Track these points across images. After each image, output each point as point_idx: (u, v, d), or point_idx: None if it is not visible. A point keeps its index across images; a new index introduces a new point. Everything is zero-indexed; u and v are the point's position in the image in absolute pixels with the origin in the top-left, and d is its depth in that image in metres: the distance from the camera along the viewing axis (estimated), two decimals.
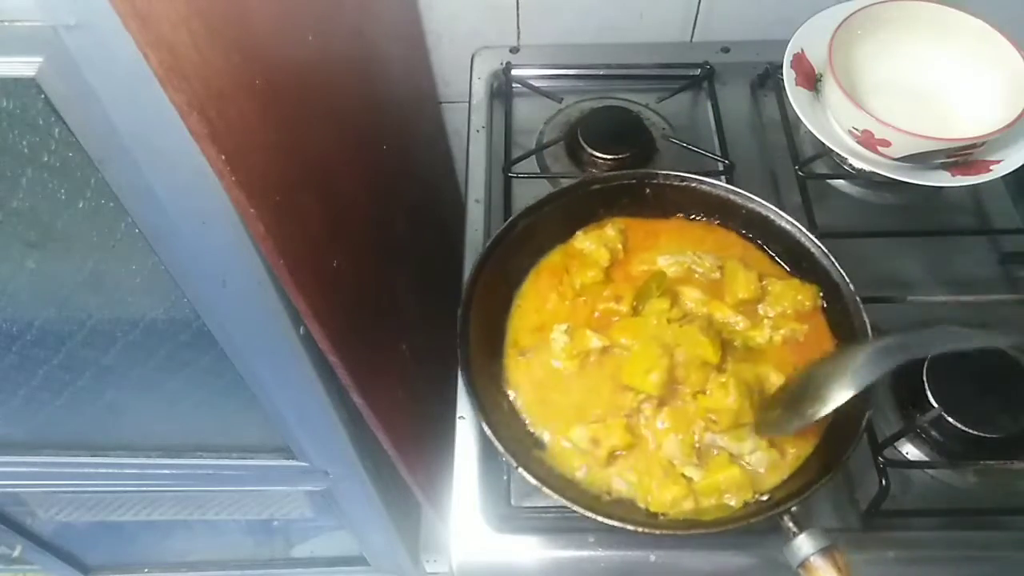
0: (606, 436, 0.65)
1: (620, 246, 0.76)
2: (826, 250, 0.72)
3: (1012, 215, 0.88)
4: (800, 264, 0.75)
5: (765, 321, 0.72)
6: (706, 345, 0.67)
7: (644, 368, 0.66)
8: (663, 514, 0.63)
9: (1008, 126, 0.76)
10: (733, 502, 0.63)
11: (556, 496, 0.61)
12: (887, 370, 0.58)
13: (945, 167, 0.80)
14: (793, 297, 0.72)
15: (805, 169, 0.88)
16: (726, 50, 1.01)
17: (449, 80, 1.12)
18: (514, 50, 1.02)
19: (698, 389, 0.67)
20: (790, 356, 0.70)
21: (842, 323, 0.70)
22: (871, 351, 0.59)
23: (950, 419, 0.70)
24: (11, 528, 1.19)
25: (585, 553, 0.69)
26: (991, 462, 0.71)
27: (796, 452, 0.66)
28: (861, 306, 0.69)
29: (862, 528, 0.69)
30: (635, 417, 0.67)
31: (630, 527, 0.61)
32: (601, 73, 1.00)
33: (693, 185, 0.77)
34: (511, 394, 0.70)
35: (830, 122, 0.85)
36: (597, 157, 0.90)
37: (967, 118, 0.83)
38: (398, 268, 0.93)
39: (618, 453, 0.66)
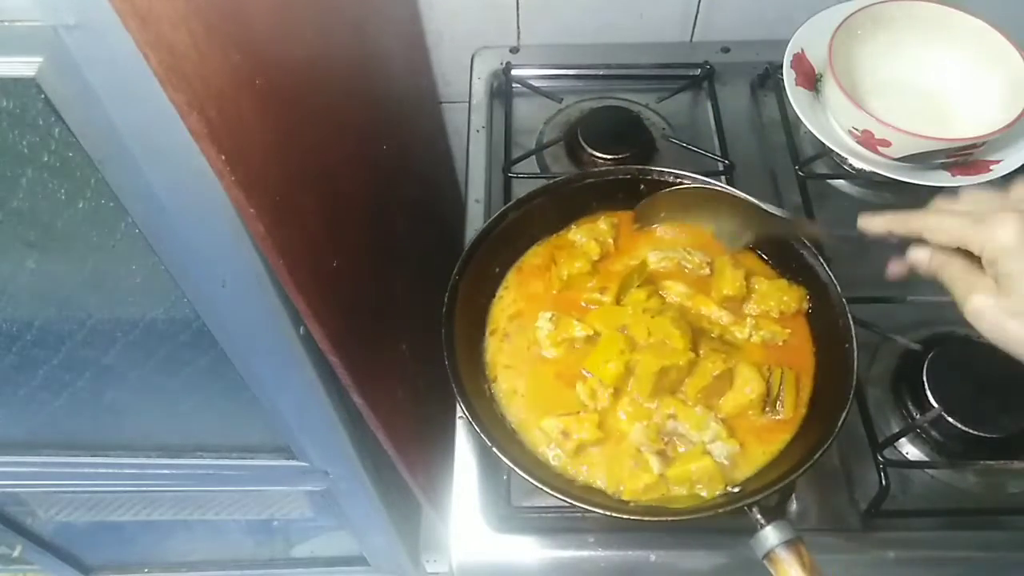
0: (577, 429, 0.66)
1: (611, 240, 0.77)
2: (815, 250, 0.72)
3: None
4: (790, 264, 0.74)
5: (748, 320, 0.72)
6: (676, 336, 0.67)
7: (604, 358, 0.68)
8: (634, 501, 0.64)
9: (1008, 126, 0.76)
10: (705, 493, 0.64)
11: (530, 479, 0.62)
12: None
13: (945, 167, 0.80)
14: (779, 297, 0.72)
15: (805, 169, 0.88)
16: (726, 50, 1.01)
17: (449, 80, 1.12)
18: (514, 50, 1.02)
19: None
20: (765, 357, 0.71)
21: (826, 327, 0.70)
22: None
23: (950, 419, 0.70)
24: (11, 528, 1.19)
25: (585, 553, 0.69)
26: (991, 462, 0.71)
27: (762, 446, 0.66)
28: (847, 308, 0.68)
29: (862, 528, 0.69)
30: (608, 412, 0.68)
31: (599, 511, 0.61)
32: (601, 73, 1.00)
33: (687, 183, 0.77)
34: (491, 379, 0.71)
35: (830, 122, 0.85)
36: (597, 157, 0.90)
37: (967, 118, 0.83)
38: (398, 268, 0.93)
39: (589, 448, 0.67)
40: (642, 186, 0.78)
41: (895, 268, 0.59)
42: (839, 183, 0.91)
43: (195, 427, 0.90)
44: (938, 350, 0.74)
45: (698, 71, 0.99)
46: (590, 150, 0.90)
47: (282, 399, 0.79)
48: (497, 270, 0.77)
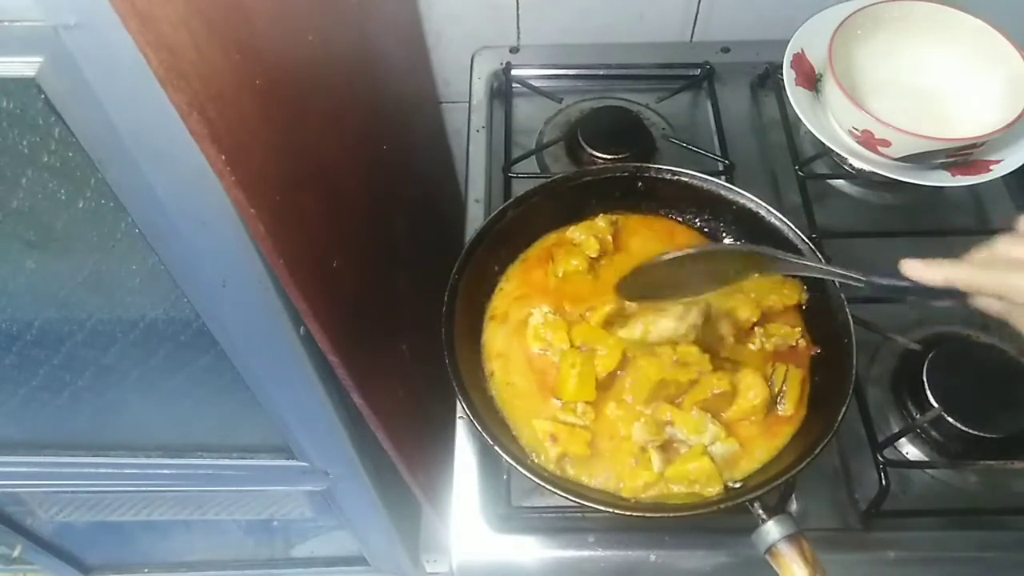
0: (567, 441, 0.65)
1: (610, 238, 0.77)
2: (813, 247, 0.72)
3: (1012, 215, 0.88)
4: None
5: (757, 331, 0.71)
6: (694, 354, 0.67)
7: (571, 387, 0.67)
8: (634, 499, 0.64)
9: (1008, 126, 0.76)
10: (703, 492, 0.64)
11: (531, 476, 0.62)
12: None
13: (945, 167, 0.80)
14: (779, 291, 0.72)
15: (805, 169, 0.88)
16: (726, 50, 1.01)
17: (449, 80, 1.12)
18: (514, 50, 1.02)
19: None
20: (769, 356, 0.70)
21: (825, 323, 0.70)
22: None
23: (950, 419, 0.70)
24: (11, 528, 1.19)
25: (585, 553, 0.69)
26: (991, 462, 0.71)
27: (764, 443, 0.66)
28: (846, 303, 0.68)
29: (862, 528, 0.69)
30: (600, 412, 0.67)
31: (600, 508, 0.61)
32: (601, 73, 1.00)
33: (684, 180, 0.77)
34: (488, 375, 0.71)
35: (830, 122, 0.85)
36: (597, 157, 0.90)
37: (967, 118, 0.83)
38: (398, 268, 0.93)
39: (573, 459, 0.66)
40: (640, 183, 0.78)
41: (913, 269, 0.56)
42: (839, 183, 0.91)
43: (195, 427, 0.90)
44: (938, 350, 0.74)
45: (698, 71, 0.99)
46: (590, 150, 0.90)
47: (282, 399, 0.79)
48: (496, 268, 0.77)
